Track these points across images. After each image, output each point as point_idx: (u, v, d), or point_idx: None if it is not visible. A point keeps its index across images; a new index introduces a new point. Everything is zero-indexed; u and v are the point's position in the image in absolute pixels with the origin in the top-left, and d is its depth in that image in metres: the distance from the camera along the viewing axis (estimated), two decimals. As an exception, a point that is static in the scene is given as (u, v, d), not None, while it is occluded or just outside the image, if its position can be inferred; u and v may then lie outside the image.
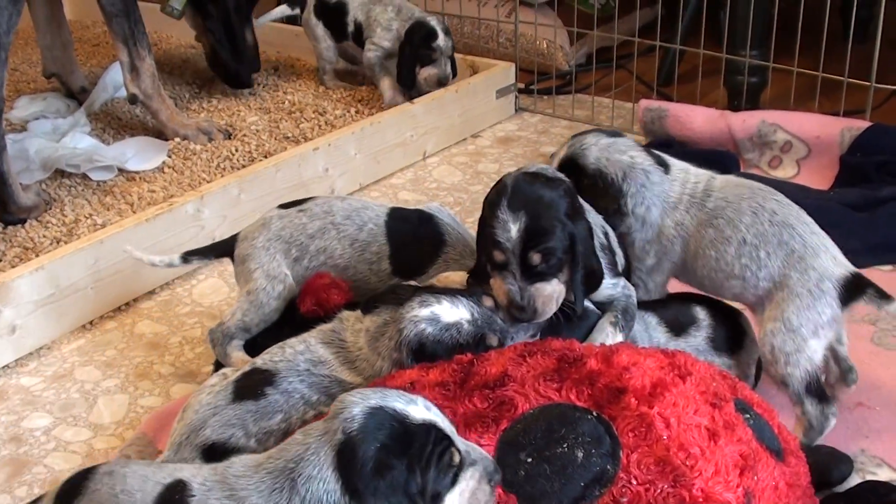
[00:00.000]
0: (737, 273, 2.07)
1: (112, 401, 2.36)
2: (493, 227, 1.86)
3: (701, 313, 2.12)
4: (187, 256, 2.37)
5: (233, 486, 1.44)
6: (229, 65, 3.90)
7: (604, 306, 2.01)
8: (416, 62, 3.62)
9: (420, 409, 1.39)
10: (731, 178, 2.21)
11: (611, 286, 2.00)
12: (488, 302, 1.85)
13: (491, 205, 1.88)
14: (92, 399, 2.37)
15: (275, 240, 2.26)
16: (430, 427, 1.38)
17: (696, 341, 2.07)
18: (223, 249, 2.37)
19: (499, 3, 4.32)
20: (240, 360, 2.19)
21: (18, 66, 4.41)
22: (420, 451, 1.36)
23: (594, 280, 1.93)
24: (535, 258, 1.84)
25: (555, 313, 1.89)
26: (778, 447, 1.60)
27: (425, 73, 3.62)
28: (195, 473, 1.50)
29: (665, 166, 2.16)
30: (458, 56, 3.94)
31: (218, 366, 2.21)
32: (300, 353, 1.90)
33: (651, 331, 2.08)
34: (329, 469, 1.37)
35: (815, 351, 1.98)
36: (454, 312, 1.79)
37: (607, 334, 1.94)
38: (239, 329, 2.25)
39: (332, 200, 2.32)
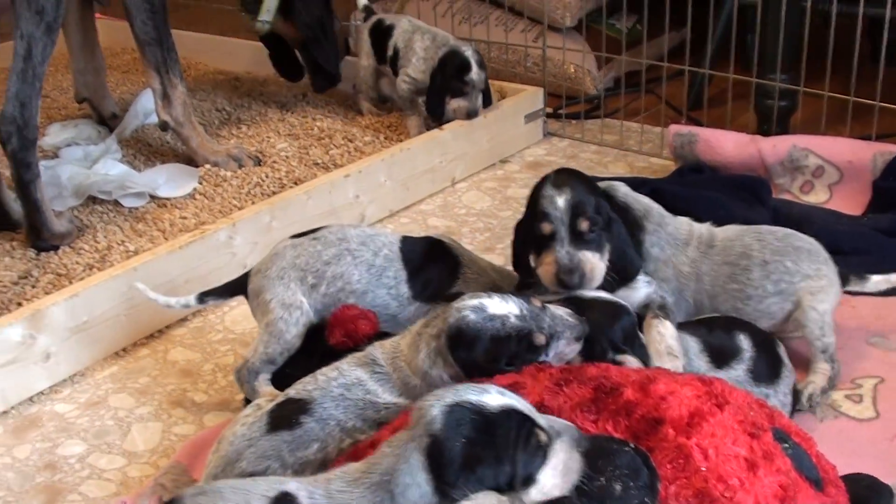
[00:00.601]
0: (772, 290, 2.30)
1: (146, 428, 2.37)
2: (540, 204, 2.07)
3: (745, 342, 2.13)
4: (203, 297, 2.37)
5: (338, 502, 1.48)
6: (329, 62, 3.96)
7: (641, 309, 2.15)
8: (446, 93, 3.57)
9: (495, 397, 1.44)
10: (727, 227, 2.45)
11: (645, 284, 2.19)
12: (537, 302, 1.87)
13: (536, 190, 2.12)
14: (126, 426, 2.38)
15: (289, 268, 2.27)
16: (509, 412, 1.43)
17: (737, 373, 2.08)
18: (236, 287, 2.38)
19: (526, 28, 4.33)
20: (269, 394, 2.19)
21: (49, 92, 4.44)
22: (504, 437, 1.41)
23: (630, 266, 2.13)
24: (584, 224, 2.04)
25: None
26: (817, 477, 1.59)
27: (455, 104, 3.58)
28: (298, 487, 1.53)
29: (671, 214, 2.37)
30: (486, 81, 3.96)
31: (248, 401, 2.21)
32: (333, 378, 1.90)
33: (692, 357, 2.08)
34: (421, 473, 1.42)
35: None
36: (502, 306, 1.81)
37: (656, 327, 2.07)
38: (263, 363, 2.26)
39: (345, 228, 2.36)
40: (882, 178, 3.14)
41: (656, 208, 2.32)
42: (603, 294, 2.07)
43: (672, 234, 2.31)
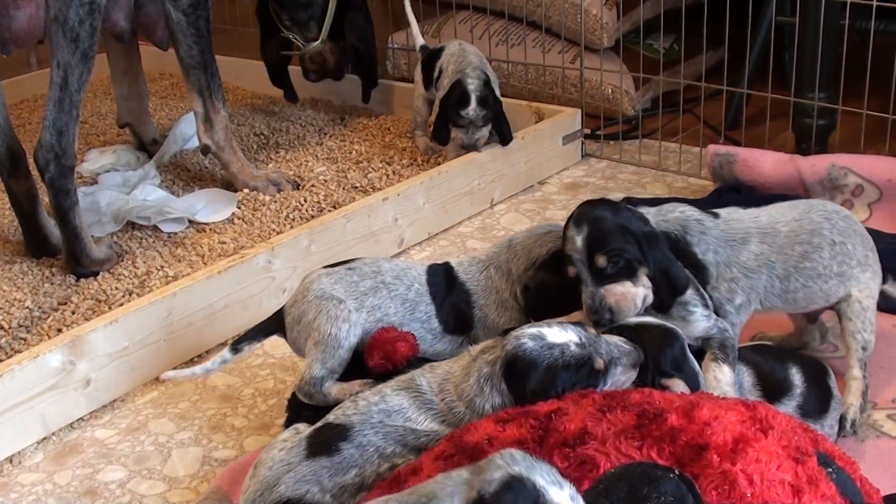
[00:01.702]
0: (836, 272, 2.29)
1: (186, 454, 2.37)
2: (565, 247, 2.07)
3: (796, 377, 2.10)
4: (237, 347, 2.32)
5: None
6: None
7: (701, 343, 2.11)
8: (449, 121, 3.50)
9: (563, 495, 1.34)
10: (780, 204, 2.40)
11: (704, 318, 2.13)
12: (593, 329, 1.87)
13: (563, 231, 2.10)
14: (166, 452, 2.39)
15: (329, 291, 2.24)
16: None
17: (786, 409, 2.05)
18: (270, 326, 2.35)
19: (563, 49, 4.33)
20: (343, 391, 2.18)
21: (88, 118, 4.49)
22: None
23: (675, 282, 2.07)
24: (601, 261, 2.01)
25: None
26: (861, 502, 1.57)
27: (454, 133, 3.51)
28: None
29: (714, 215, 2.28)
30: (522, 102, 3.96)
31: (290, 421, 2.21)
32: (374, 404, 1.90)
33: (745, 392, 2.07)
34: None
35: None
36: (561, 335, 1.80)
37: (714, 372, 2.04)
38: (324, 375, 2.22)
39: (379, 261, 2.34)
40: (922, 197, 3.12)
41: (693, 217, 2.24)
42: (650, 319, 2.04)
43: (721, 236, 2.23)
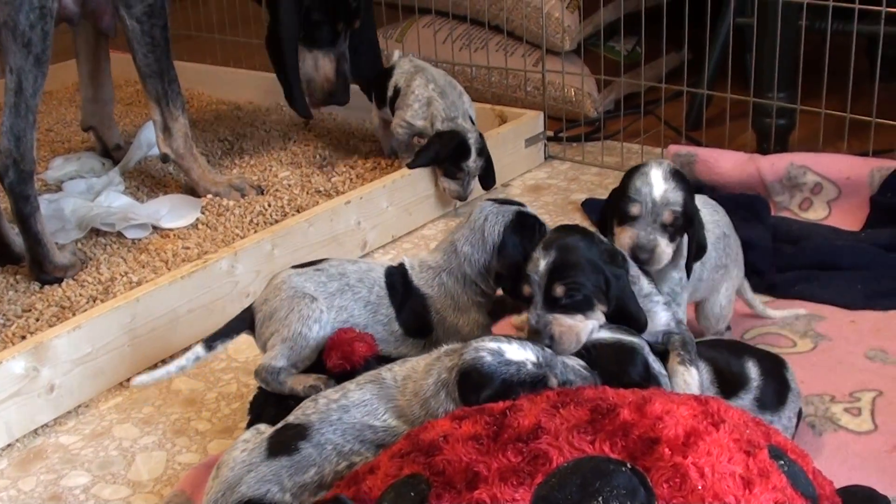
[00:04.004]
0: (723, 263, 2.45)
1: (150, 458, 2.38)
2: (527, 266, 2.06)
3: (753, 370, 2.12)
4: (210, 343, 2.33)
5: None
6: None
7: (659, 340, 2.14)
8: (437, 166, 3.46)
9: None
10: None
11: (664, 309, 2.19)
12: (550, 351, 1.89)
13: (533, 248, 2.09)
14: (130, 456, 2.39)
15: (300, 290, 2.28)
16: None
17: (743, 403, 2.07)
18: (240, 323, 2.36)
19: (526, 53, 4.35)
20: (299, 382, 2.21)
21: (53, 126, 4.48)
22: None
23: (634, 321, 2.08)
24: (558, 290, 2.00)
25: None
26: (813, 494, 1.59)
27: (445, 183, 3.47)
28: None
29: None
30: (486, 106, 3.98)
31: (252, 423, 2.22)
32: (334, 401, 1.92)
33: (704, 389, 2.08)
34: None
35: None
36: (520, 353, 1.81)
37: (682, 376, 2.05)
38: (282, 367, 2.25)
39: (344, 263, 2.37)
40: (880, 194, 3.16)
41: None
42: (606, 336, 2.04)
43: None
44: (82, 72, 3.94)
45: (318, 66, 3.70)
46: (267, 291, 2.33)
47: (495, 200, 2.36)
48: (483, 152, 3.45)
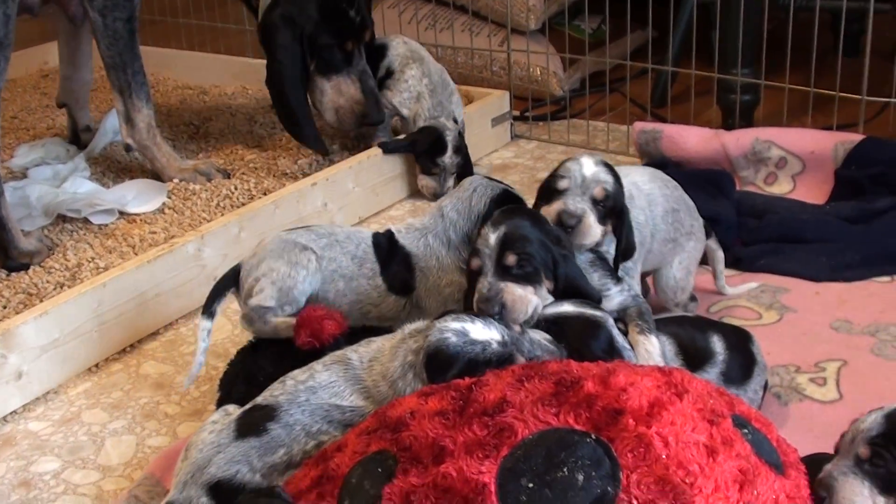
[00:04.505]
0: (672, 237, 2.46)
1: (120, 442, 2.38)
2: (475, 242, 2.07)
3: (718, 344, 2.14)
4: (210, 310, 2.34)
5: None
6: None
7: (619, 315, 2.15)
8: (416, 164, 3.48)
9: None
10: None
11: (618, 293, 2.19)
12: (518, 327, 1.90)
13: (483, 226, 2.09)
14: (100, 441, 2.39)
15: (290, 243, 2.33)
16: None
17: (709, 377, 2.09)
18: (227, 283, 2.38)
19: (491, 33, 4.35)
20: (285, 323, 2.25)
21: (17, 113, 4.45)
22: None
23: (589, 296, 2.10)
24: (510, 259, 1.99)
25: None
26: (777, 461, 1.61)
27: (423, 181, 3.49)
28: None
29: None
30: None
31: (221, 402, 2.22)
32: (301, 382, 1.92)
33: (668, 361, 2.09)
34: None
35: None
36: (485, 332, 1.81)
37: (643, 345, 2.06)
38: (273, 308, 2.28)
39: (331, 226, 2.49)
40: (844, 167, 3.18)
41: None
42: (570, 310, 2.05)
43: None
44: (62, 51, 3.93)
45: (342, 90, 3.52)
46: (256, 249, 2.38)
47: (486, 177, 2.46)
48: (461, 151, 3.44)
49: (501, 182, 2.44)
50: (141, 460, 2.30)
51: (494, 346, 1.80)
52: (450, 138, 3.42)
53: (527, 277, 2.00)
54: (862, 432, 1.66)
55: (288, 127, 3.60)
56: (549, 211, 2.21)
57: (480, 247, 2.03)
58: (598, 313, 2.02)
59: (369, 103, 3.53)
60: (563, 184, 2.24)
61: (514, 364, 1.79)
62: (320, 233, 2.40)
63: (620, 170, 2.33)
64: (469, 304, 2.06)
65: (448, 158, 3.41)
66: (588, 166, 2.24)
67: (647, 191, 2.44)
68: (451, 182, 3.47)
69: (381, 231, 2.46)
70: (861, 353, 2.43)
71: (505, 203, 2.34)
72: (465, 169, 3.48)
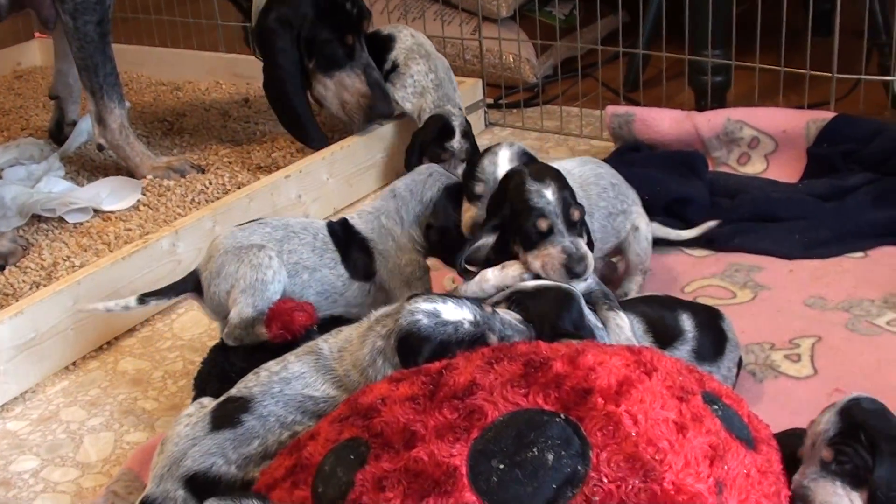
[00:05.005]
0: (621, 209, 2.54)
1: (98, 439, 2.38)
2: (527, 200, 2.09)
3: (687, 322, 2.15)
4: (144, 298, 2.36)
5: None
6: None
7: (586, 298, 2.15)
8: (423, 154, 3.35)
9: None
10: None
11: (582, 287, 2.16)
12: (489, 307, 1.89)
13: (517, 186, 2.12)
14: (78, 439, 2.38)
15: (246, 241, 2.32)
16: None
17: (681, 354, 2.10)
18: (182, 286, 2.38)
19: (463, 21, 4.35)
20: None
21: (-9, 115, 4.45)
22: None
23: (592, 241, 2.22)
24: (576, 214, 2.10)
25: None
26: (748, 436, 1.62)
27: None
28: None
29: None
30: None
31: (196, 399, 2.22)
32: (275, 373, 1.93)
33: (639, 339, 2.10)
34: None
35: None
36: (456, 312, 1.81)
37: (613, 320, 2.08)
38: (257, 317, 2.27)
39: (284, 217, 2.47)
40: (816, 145, 3.19)
41: None
42: (548, 283, 2.07)
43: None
44: (57, 47, 3.93)
45: (346, 85, 3.46)
46: (210, 249, 2.36)
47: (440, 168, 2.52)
48: (468, 136, 3.39)
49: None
50: (119, 456, 2.30)
51: (467, 325, 1.80)
52: (457, 123, 3.37)
53: (582, 230, 2.13)
54: (820, 435, 1.66)
55: (291, 130, 3.56)
56: (465, 220, 2.32)
57: (541, 205, 2.07)
58: (571, 288, 2.03)
59: (376, 95, 3.47)
60: (478, 188, 2.34)
61: (487, 343, 1.80)
62: (275, 225, 2.39)
63: (552, 163, 2.36)
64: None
65: (457, 143, 3.34)
66: (502, 165, 2.32)
67: (578, 174, 2.48)
68: (460, 169, 3.32)
69: (335, 220, 2.48)
70: (835, 328, 2.45)
71: (458, 194, 2.41)
72: (473, 155, 3.39)
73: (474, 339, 1.80)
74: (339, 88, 3.46)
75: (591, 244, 2.19)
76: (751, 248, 2.81)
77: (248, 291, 2.26)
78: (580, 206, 2.12)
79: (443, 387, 1.60)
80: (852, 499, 1.62)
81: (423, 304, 1.82)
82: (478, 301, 1.88)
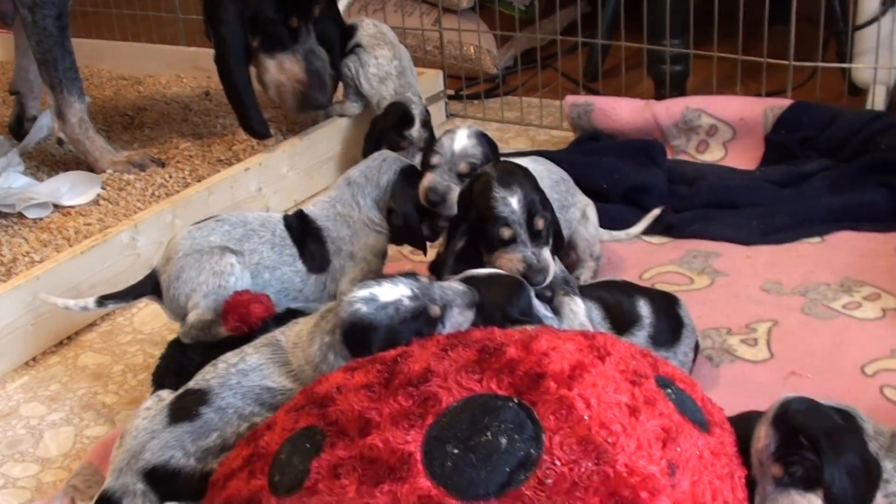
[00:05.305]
0: (572, 202, 2.60)
1: (58, 434, 2.37)
2: (492, 207, 2.07)
3: (644, 309, 2.16)
4: (103, 300, 2.36)
5: None
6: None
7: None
8: (381, 144, 3.27)
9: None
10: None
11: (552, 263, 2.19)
12: (424, 277, 1.90)
13: (482, 191, 2.09)
14: (38, 434, 2.38)
15: (205, 243, 2.31)
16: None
17: (637, 340, 2.11)
18: (140, 288, 2.38)
19: (423, 13, 4.35)
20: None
21: (-49, 113, 4.41)
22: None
23: (562, 238, 2.27)
24: (540, 223, 2.07)
25: None
26: (702, 419, 1.63)
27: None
28: None
29: None
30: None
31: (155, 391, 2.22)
32: (233, 365, 1.92)
33: (596, 325, 2.12)
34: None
35: None
36: (393, 291, 1.81)
37: (568, 305, 2.10)
38: (216, 320, 2.26)
39: (241, 213, 2.45)
40: (773, 132, 3.22)
41: None
42: (499, 271, 2.08)
43: None
44: (17, 42, 3.91)
45: (285, 68, 3.36)
46: (167, 251, 2.35)
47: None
48: (427, 125, 3.37)
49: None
50: (80, 451, 2.30)
51: (406, 302, 1.80)
52: (417, 112, 3.34)
53: (546, 238, 2.11)
54: (763, 452, 1.67)
55: (233, 107, 3.47)
56: (421, 188, 2.36)
57: (506, 214, 2.06)
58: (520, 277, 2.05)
59: (313, 83, 3.38)
60: (434, 160, 2.40)
61: (430, 315, 1.81)
62: (233, 222, 2.38)
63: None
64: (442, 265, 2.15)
65: (416, 132, 3.31)
66: (460, 141, 2.41)
67: (531, 170, 2.47)
68: (418, 158, 3.28)
69: (291, 214, 2.49)
70: (791, 312, 2.47)
71: (413, 176, 2.44)
72: (431, 144, 3.42)
73: (418, 313, 1.80)
74: (278, 71, 3.37)
75: (559, 244, 2.20)
76: (709, 235, 2.83)
77: (209, 296, 2.27)
78: (546, 215, 2.10)
79: (398, 374, 1.61)
80: (810, 500, 1.64)
81: (359, 292, 1.81)
82: (412, 274, 1.88)
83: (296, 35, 3.35)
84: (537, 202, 2.09)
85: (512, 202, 2.05)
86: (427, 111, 3.41)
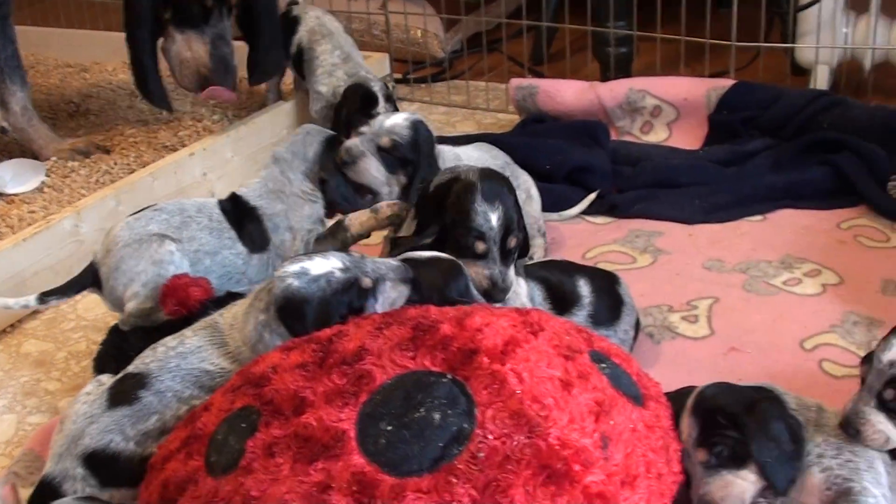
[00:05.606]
0: (522, 188, 2.61)
1: (0, 421, 2.35)
2: (471, 218, 2.03)
3: (584, 289, 2.18)
4: (44, 297, 2.34)
5: None
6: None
7: None
8: (351, 127, 3.15)
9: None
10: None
11: None
12: (357, 253, 1.90)
13: (463, 198, 2.05)
14: (-20, 422, 2.37)
15: (144, 234, 2.30)
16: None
17: (578, 319, 2.13)
18: (81, 281, 2.37)
19: (370, -4, 4.35)
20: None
21: None
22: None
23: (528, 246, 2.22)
24: (513, 242, 2.05)
25: None
26: (636, 393, 1.65)
27: None
28: None
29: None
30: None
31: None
32: (172, 348, 1.92)
33: (538, 305, 2.13)
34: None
35: None
36: (324, 264, 1.81)
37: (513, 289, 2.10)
38: (155, 307, 2.26)
39: (179, 201, 2.46)
40: (717, 113, 3.25)
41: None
42: (441, 254, 2.08)
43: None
44: None
45: (191, 47, 3.23)
46: (106, 243, 2.34)
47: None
48: (391, 99, 3.31)
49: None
50: (22, 438, 2.28)
51: (338, 274, 1.80)
52: (377, 89, 3.28)
53: (515, 256, 2.09)
54: (688, 443, 1.69)
55: (132, 72, 3.36)
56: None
57: (484, 229, 2.02)
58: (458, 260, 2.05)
59: (216, 69, 3.24)
60: (363, 128, 2.48)
61: (362, 287, 1.81)
62: (171, 210, 2.38)
63: (453, 149, 2.53)
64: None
65: (382, 109, 3.21)
66: (394, 119, 2.43)
67: (475, 157, 2.58)
68: None
69: (224, 198, 2.49)
70: (732, 289, 2.49)
71: (335, 146, 2.44)
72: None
73: (349, 285, 1.81)
74: (184, 47, 3.23)
75: (525, 250, 2.18)
76: (652, 215, 2.85)
77: (148, 285, 2.26)
78: (519, 235, 2.08)
79: (332, 353, 1.61)
80: (744, 477, 1.65)
81: (290, 267, 1.82)
82: (346, 252, 1.90)
83: (207, 15, 3.23)
84: (514, 221, 2.06)
85: (492, 218, 2.02)
86: (387, 86, 3.39)
